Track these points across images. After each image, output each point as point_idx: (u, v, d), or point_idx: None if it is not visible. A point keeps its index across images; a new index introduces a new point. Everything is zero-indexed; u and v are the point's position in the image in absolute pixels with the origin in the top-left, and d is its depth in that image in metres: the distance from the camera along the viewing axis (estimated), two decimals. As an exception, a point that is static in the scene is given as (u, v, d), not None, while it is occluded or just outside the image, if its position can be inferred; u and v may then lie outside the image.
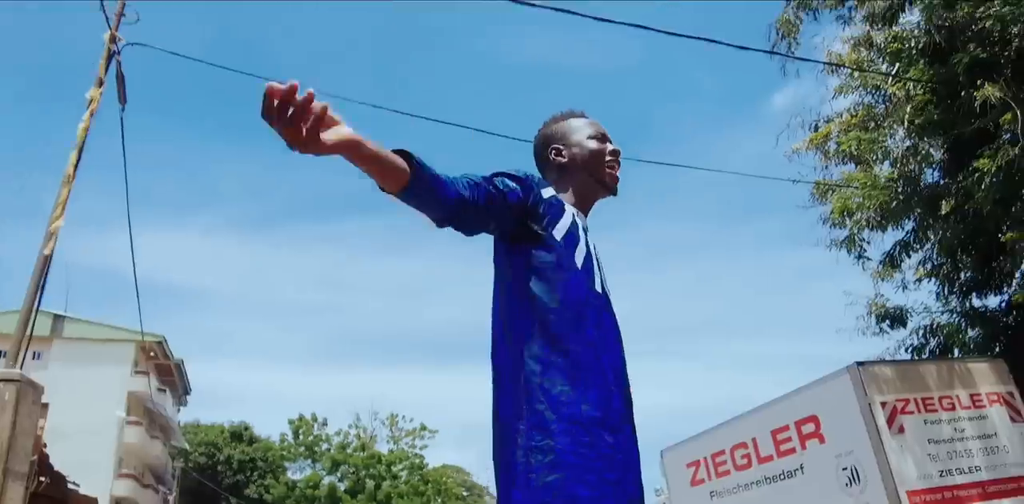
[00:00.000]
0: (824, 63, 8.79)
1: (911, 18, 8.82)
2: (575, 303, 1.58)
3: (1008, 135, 7.13)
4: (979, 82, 7.17)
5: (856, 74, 8.51)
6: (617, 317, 1.72)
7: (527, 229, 1.59)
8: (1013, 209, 7.08)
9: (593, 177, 1.85)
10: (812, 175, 8.69)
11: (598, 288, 1.67)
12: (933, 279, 8.78)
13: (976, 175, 7.11)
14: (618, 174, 1.89)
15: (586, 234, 1.73)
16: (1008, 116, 6.99)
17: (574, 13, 6.69)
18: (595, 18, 6.79)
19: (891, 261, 8.77)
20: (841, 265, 8.99)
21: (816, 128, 8.84)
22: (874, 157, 8.08)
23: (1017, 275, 8.19)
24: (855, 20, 9.37)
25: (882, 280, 9.01)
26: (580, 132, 1.90)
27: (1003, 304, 8.35)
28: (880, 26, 8.96)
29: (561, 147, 1.89)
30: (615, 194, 1.91)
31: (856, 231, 8.36)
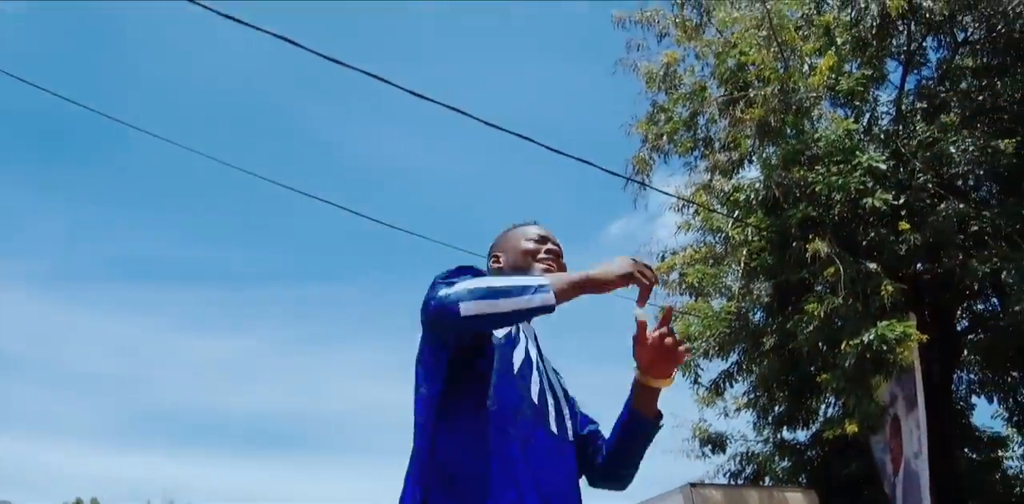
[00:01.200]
0: (676, 197, 9.62)
1: (751, 174, 9.93)
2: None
3: (829, 288, 8.05)
4: (810, 236, 8.11)
5: (699, 215, 9.38)
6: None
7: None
8: (831, 352, 7.88)
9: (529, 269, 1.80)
10: (656, 300, 9.32)
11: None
12: (751, 409, 9.53)
13: (803, 318, 7.91)
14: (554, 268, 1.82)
15: (527, 341, 1.72)
16: (831, 269, 7.91)
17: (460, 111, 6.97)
18: (486, 122, 7.10)
19: (716, 389, 9.45)
20: (672, 389, 9.51)
21: (663, 258, 9.59)
22: (714, 291, 8.84)
23: (822, 412, 9.07)
24: (699, 168, 10.41)
25: (706, 406, 9.65)
26: (518, 237, 1.89)
27: (809, 438, 9.17)
28: (720, 177, 9.99)
29: (499, 254, 1.89)
30: None
31: (693, 358, 8.98)
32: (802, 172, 8.61)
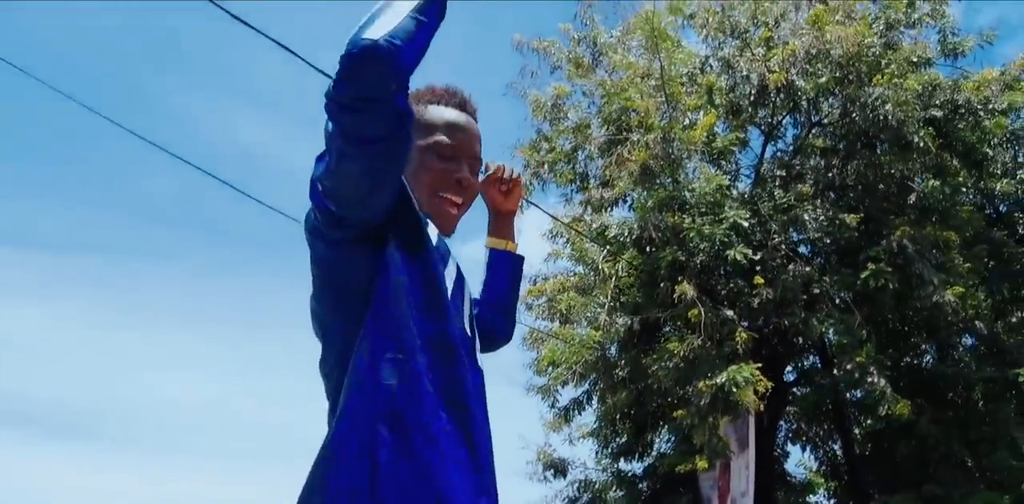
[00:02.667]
0: (559, 221, 9.84)
1: (621, 213, 10.36)
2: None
3: (690, 329, 8.51)
4: (679, 279, 8.56)
5: (572, 246, 9.66)
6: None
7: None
8: (685, 390, 8.31)
9: (424, 203, 1.41)
10: (529, 322, 9.45)
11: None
12: (594, 438, 9.81)
13: (664, 355, 8.31)
14: (455, 212, 1.44)
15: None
16: (695, 311, 8.38)
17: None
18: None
19: (565, 415, 9.66)
20: (521, 410, 9.66)
21: (534, 282, 9.75)
22: (583, 319, 9.08)
23: (656, 446, 9.52)
24: (574, 201, 10.73)
25: (553, 431, 9.84)
26: (428, 131, 1.42)
27: (644, 471, 9.58)
28: (592, 212, 10.35)
29: None
30: (447, 236, 1.48)
31: (553, 382, 9.15)
32: (675, 218, 9.11)
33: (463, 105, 1.48)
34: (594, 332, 8.75)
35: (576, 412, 9.77)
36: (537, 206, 9.67)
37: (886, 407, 8.27)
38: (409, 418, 1.21)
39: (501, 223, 1.82)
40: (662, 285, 8.82)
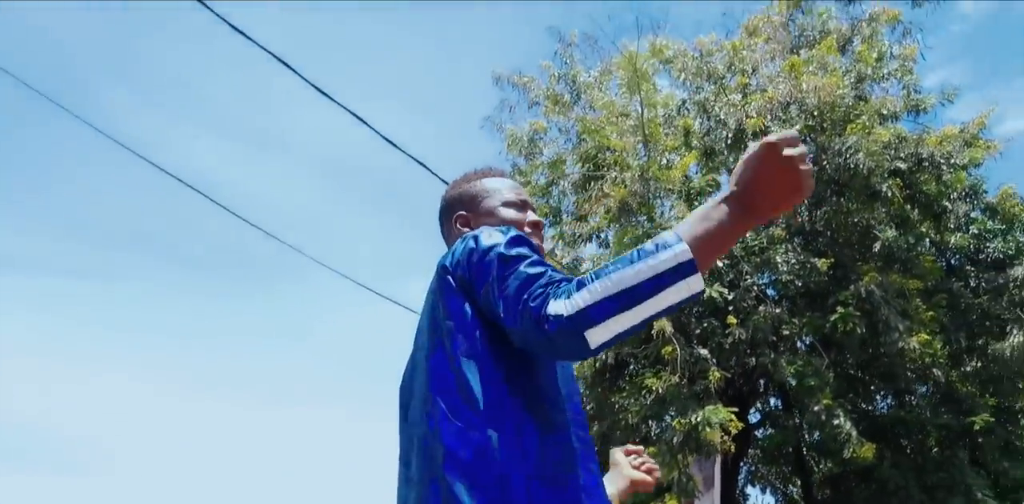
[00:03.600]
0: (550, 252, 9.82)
1: (591, 249, 10.42)
2: None
3: (663, 366, 8.54)
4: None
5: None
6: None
7: None
8: (656, 427, 8.31)
9: None
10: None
11: None
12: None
13: (639, 391, 8.31)
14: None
15: None
16: (669, 349, 8.42)
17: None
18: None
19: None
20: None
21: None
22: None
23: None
24: (546, 236, 10.75)
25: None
26: (494, 196, 1.60)
27: None
28: (564, 247, 10.40)
29: (468, 215, 1.60)
30: None
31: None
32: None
33: (502, 174, 1.71)
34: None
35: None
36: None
37: (851, 450, 8.37)
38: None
39: (628, 489, 1.91)
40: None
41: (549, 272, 1.24)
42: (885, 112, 10.39)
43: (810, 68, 10.28)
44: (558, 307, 1.15)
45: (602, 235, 10.32)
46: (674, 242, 1.16)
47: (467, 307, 1.33)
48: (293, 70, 6.22)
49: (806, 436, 9.57)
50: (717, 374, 8.40)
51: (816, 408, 8.54)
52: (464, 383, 1.29)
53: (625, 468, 1.90)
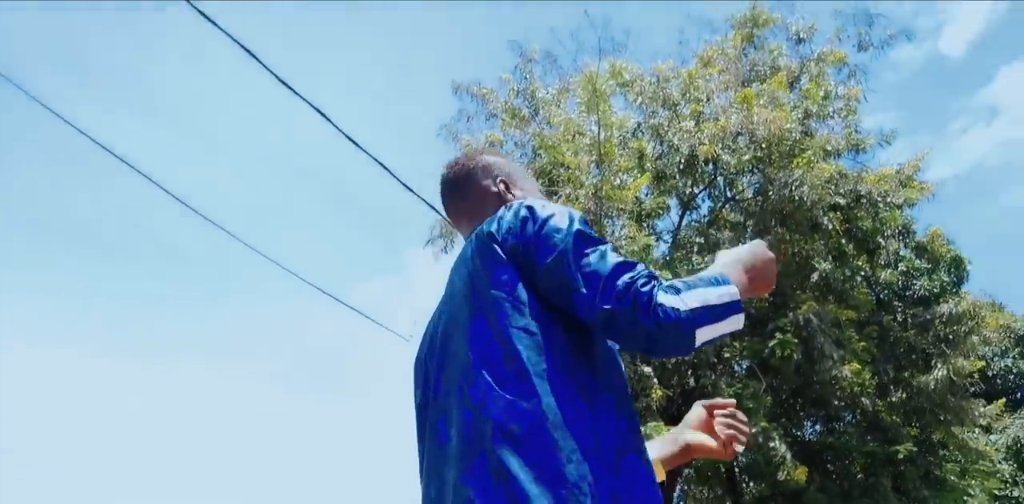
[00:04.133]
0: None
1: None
2: None
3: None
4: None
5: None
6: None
7: None
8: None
9: None
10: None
11: None
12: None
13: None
14: None
15: None
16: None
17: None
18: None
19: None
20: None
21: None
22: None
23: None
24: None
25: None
26: (530, 182, 1.67)
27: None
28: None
29: (509, 182, 1.61)
30: None
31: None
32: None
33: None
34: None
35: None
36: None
37: (785, 472, 8.54)
38: None
39: (680, 455, 1.65)
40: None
41: (640, 264, 1.27)
42: (829, 148, 10.78)
43: (761, 101, 10.61)
44: (673, 301, 1.21)
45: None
46: (731, 282, 1.32)
47: (516, 277, 1.30)
48: (257, 59, 6.07)
49: (740, 458, 9.73)
50: (659, 392, 8.48)
51: (753, 430, 8.69)
52: (513, 354, 1.24)
53: (689, 429, 1.62)
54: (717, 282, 1.29)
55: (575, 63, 11.25)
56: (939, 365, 10.05)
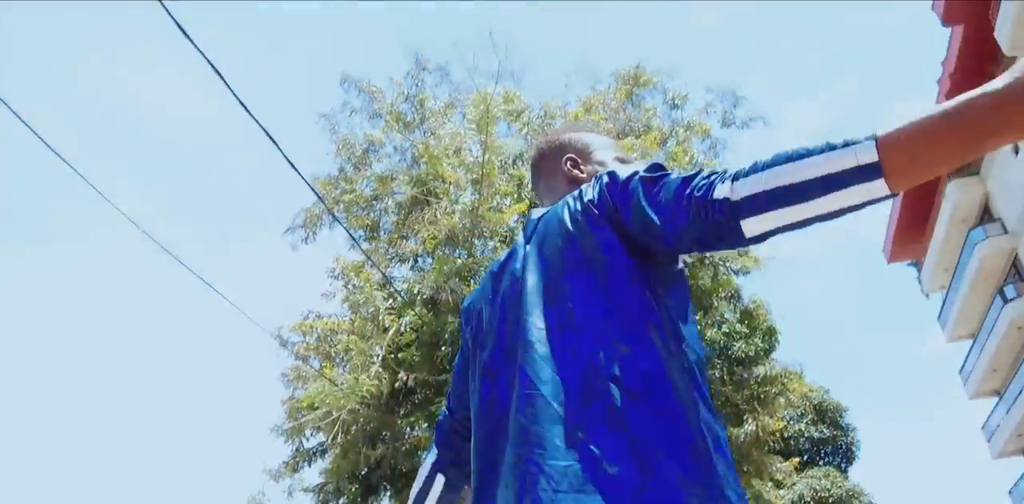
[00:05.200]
0: (376, 264, 9.39)
1: (403, 272, 10.23)
2: None
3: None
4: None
5: (361, 291, 9.27)
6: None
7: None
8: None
9: None
10: (292, 360, 8.66)
11: None
12: (315, 495, 9.00)
13: (424, 417, 8.13)
14: None
15: None
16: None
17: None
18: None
19: (294, 465, 8.82)
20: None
21: (306, 317, 9.07)
22: (359, 365, 8.52)
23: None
24: (357, 249, 10.39)
25: (274, 480, 8.88)
26: (605, 150, 1.64)
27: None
28: (374, 264, 10.11)
29: (579, 160, 1.62)
30: None
31: (308, 424, 8.34)
32: (471, 288, 9.21)
33: (607, 133, 1.86)
34: (368, 381, 8.30)
35: (307, 464, 9.01)
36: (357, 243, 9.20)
37: None
38: None
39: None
40: (443, 349, 8.74)
41: (702, 171, 1.23)
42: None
43: (634, 155, 11.15)
44: (723, 190, 1.14)
45: (416, 259, 10.19)
46: (862, 139, 1.04)
47: (615, 236, 1.29)
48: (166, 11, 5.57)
49: None
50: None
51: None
52: (621, 309, 1.24)
53: None
54: (826, 149, 1.07)
55: (472, 81, 11.26)
56: (750, 420, 10.78)
